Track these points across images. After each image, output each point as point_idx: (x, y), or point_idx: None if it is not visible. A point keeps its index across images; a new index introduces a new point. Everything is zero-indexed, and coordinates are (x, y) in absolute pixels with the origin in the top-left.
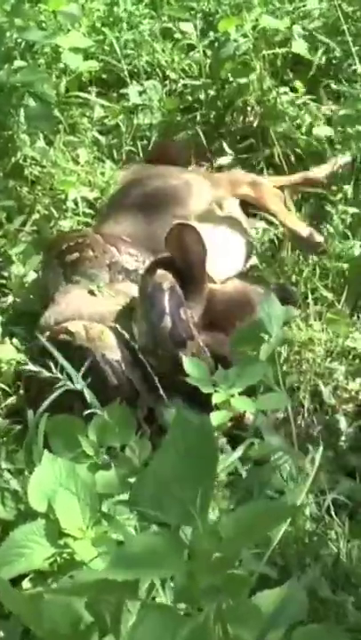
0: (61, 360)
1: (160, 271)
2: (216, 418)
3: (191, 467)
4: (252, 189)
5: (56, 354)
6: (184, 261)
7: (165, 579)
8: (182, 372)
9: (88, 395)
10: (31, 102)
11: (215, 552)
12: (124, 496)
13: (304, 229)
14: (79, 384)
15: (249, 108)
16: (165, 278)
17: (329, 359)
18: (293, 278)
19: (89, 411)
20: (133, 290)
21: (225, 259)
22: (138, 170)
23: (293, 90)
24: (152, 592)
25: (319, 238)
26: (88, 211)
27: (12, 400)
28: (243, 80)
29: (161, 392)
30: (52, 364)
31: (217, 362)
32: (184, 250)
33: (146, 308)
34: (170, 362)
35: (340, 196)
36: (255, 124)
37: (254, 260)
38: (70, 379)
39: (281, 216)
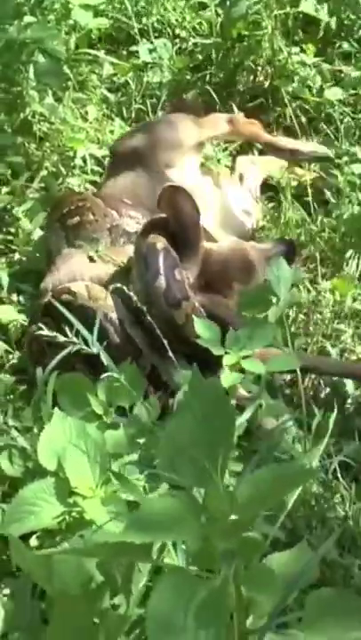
0: (76, 323)
1: (154, 232)
2: (227, 380)
3: (208, 430)
4: (229, 124)
5: (69, 316)
6: (177, 223)
7: (176, 541)
8: (177, 332)
9: (104, 357)
10: (40, 59)
11: (231, 515)
12: (134, 456)
13: (303, 144)
14: (95, 347)
15: (259, 68)
16: (159, 239)
17: (336, 321)
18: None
19: (106, 374)
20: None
21: (231, 219)
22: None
23: (304, 51)
24: (163, 554)
25: (323, 149)
26: (96, 168)
27: (16, 358)
28: (254, 39)
29: (166, 351)
30: (61, 329)
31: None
32: (177, 212)
33: (140, 269)
34: (164, 322)
35: (345, 158)
36: (265, 85)
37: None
38: (85, 342)
39: (265, 138)
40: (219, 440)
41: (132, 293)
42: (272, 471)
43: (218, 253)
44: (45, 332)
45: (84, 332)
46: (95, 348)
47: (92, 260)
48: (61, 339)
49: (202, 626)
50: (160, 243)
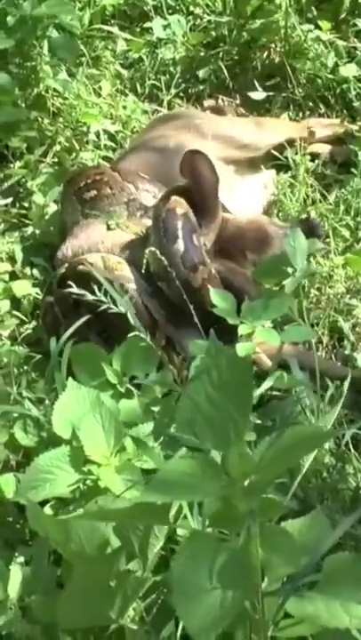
0: (106, 284)
1: (174, 197)
2: (242, 349)
3: (226, 395)
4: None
5: (101, 279)
6: (197, 188)
7: (193, 504)
8: (193, 296)
9: (132, 319)
10: (55, 34)
11: (251, 476)
12: (148, 425)
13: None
14: (122, 307)
15: (273, 46)
16: (179, 204)
17: (349, 296)
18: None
19: (133, 333)
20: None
21: (244, 195)
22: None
23: (318, 28)
24: (180, 518)
25: None
26: (109, 144)
27: (29, 330)
28: (268, 17)
29: (181, 320)
30: (77, 301)
31: (227, 289)
32: (196, 177)
33: (159, 233)
34: (182, 285)
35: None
36: (279, 62)
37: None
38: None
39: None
40: (236, 404)
41: (146, 261)
42: (290, 433)
43: (233, 223)
44: (75, 289)
45: (113, 292)
46: (123, 308)
47: (110, 228)
48: (90, 297)
49: (227, 586)
50: (180, 208)
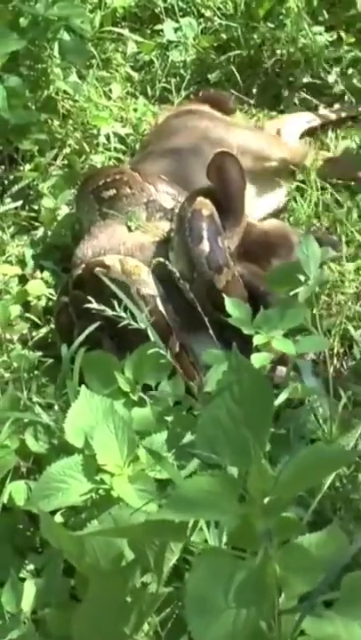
0: (123, 297)
1: (200, 199)
2: (257, 360)
3: (247, 411)
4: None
5: (118, 292)
6: (223, 191)
7: (210, 520)
8: (215, 298)
9: (151, 334)
10: (66, 36)
11: (270, 495)
12: (162, 434)
13: None
14: (142, 323)
15: (284, 49)
16: (205, 205)
17: (359, 303)
18: (326, 221)
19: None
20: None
21: (259, 198)
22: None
23: (328, 30)
24: (195, 530)
25: None
26: (119, 146)
27: (41, 333)
28: (279, 20)
29: (197, 329)
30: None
31: (250, 293)
32: (224, 179)
33: (184, 234)
34: (205, 287)
35: None
36: (290, 64)
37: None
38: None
39: None
40: (257, 421)
41: (172, 267)
42: (311, 452)
43: (259, 227)
44: (94, 305)
45: (133, 307)
46: (143, 324)
47: (130, 229)
48: (109, 312)
49: (242, 605)
50: (206, 209)
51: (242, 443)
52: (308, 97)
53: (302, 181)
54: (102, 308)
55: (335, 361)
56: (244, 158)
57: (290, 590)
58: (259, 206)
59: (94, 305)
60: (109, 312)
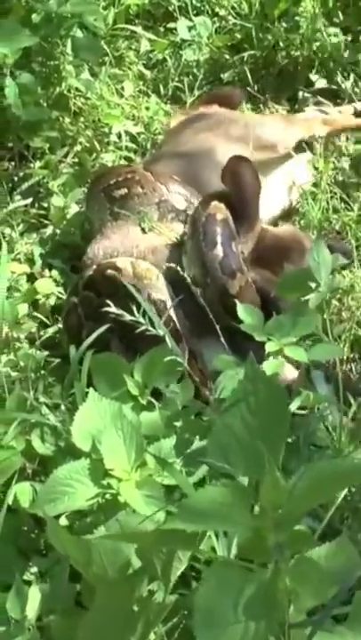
0: (140, 299)
1: (214, 203)
2: (269, 367)
3: (262, 421)
4: (326, 125)
5: (137, 296)
6: (238, 196)
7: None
8: (227, 303)
9: (168, 339)
10: (79, 33)
11: (284, 507)
12: (170, 440)
13: None
14: (161, 329)
15: (298, 51)
16: (219, 210)
17: None
18: (336, 225)
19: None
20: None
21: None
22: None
23: (345, 32)
24: (204, 540)
25: None
26: (131, 145)
27: (49, 333)
28: (294, 20)
29: (207, 334)
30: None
31: (262, 299)
32: (239, 184)
33: (198, 238)
34: (218, 292)
35: None
36: (304, 65)
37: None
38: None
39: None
40: (272, 432)
41: (184, 273)
42: (328, 466)
43: (273, 233)
44: (111, 308)
45: (151, 314)
46: (161, 330)
47: (144, 231)
48: (127, 318)
49: (252, 619)
50: (220, 213)
51: (256, 453)
52: (323, 100)
53: (314, 184)
54: (118, 311)
55: (345, 366)
56: (258, 150)
57: (299, 604)
58: (270, 203)
59: (111, 308)
60: (127, 317)
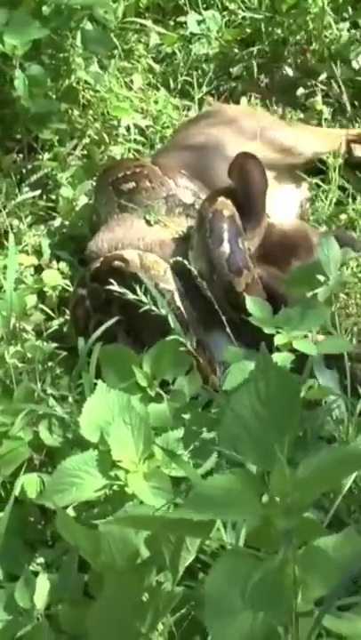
0: (149, 285)
1: (221, 199)
2: (278, 360)
3: (273, 410)
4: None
5: (146, 282)
6: (245, 192)
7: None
8: (234, 300)
9: (172, 321)
10: (88, 26)
11: (291, 496)
12: (178, 431)
13: None
14: (164, 309)
15: (308, 44)
16: (226, 206)
17: None
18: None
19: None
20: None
21: (279, 200)
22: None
23: (354, 26)
24: (212, 530)
25: None
26: (139, 138)
27: (56, 324)
28: (303, 14)
29: (214, 326)
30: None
31: (269, 296)
32: (245, 180)
33: (205, 234)
34: (224, 288)
35: None
36: (314, 60)
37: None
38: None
39: None
40: (283, 421)
41: (191, 266)
42: (333, 453)
43: (279, 229)
44: (115, 287)
45: (155, 292)
46: (164, 310)
47: (149, 224)
48: (130, 296)
49: (259, 607)
50: (227, 209)
51: (265, 443)
52: (333, 96)
53: (323, 180)
54: (122, 290)
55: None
56: (261, 148)
57: (308, 593)
58: (278, 201)
59: (116, 287)
60: (130, 296)
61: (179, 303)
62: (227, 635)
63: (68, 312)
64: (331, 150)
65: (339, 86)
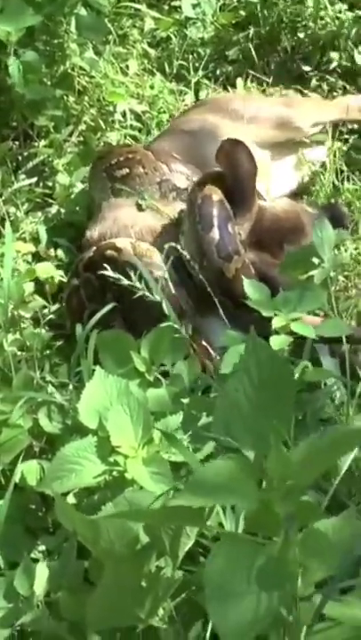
0: (144, 271)
1: (210, 185)
2: (275, 343)
3: (266, 394)
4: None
5: (134, 262)
6: (234, 177)
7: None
8: (225, 286)
9: (166, 307)
10: (83, 12)
11: (289, 479)
12: (177, 416)
13: None
14: (158, 295)
15: (304, 28)
16: (215, 191)
17: None
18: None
19: (165, 324)
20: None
21: (277, 178)
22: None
23: (350, 7)
24: (212, 515)
25: None
26: (135, 124)
27: (53, 312)
28: None
29: (210, 312)
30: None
31: (261, 281)
32: (234, 166)
33: (194, 220)
34: (214, 274)
35: None
36: (309, 42)
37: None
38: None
39: None
40: (277, 404)
41: (183, 251)
42: (327, 434)
43: (271, 213)
44: (108, 272)
45: (149, 277)
46: (157, 296)
47: (140, 209)
48: (125, 282)
49: (265, 590)
50: (216, 195)
51: (261, 426)
52: (330, 78)
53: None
54: (115, 275)
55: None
56: (255, 129)
57: (308, 577)
58: (274, 179)
59: (110, 273)
60: (124, 282)
61: (173, 290)
62: (230, 619)
63: (63, 301)
64: (329, 121)
65: (333, 69)
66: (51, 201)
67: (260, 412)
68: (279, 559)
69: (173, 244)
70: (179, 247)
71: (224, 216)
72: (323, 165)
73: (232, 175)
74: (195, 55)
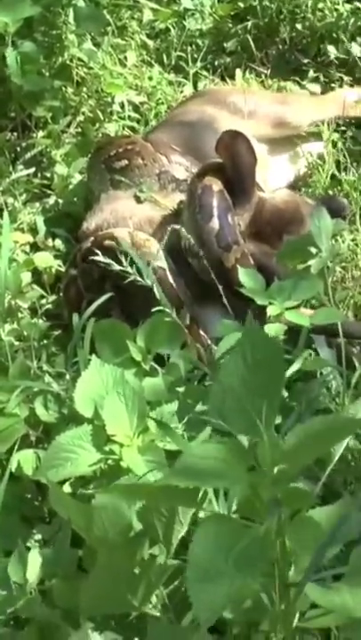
0: (136, 258)
1: (210, 173)
2: (270, 330)
3: (258, 378)
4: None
5: (129, 251)
6: (234, 168)
7: (219, 489)
8: (224, 276)
9: (157, 293)
10: (81, 3)
11: (279, 464)
12: (172, 405)
13: None
14: (149, 279)
15: (303, 20)
16: (215, 182)
17: None
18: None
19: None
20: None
21: (274, 170)
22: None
23: (350, 0)
24: (204, 502)
25: None
26: (134, 115)
27: (50, 303)
28: None
29: (207, 301)
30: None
31: (260, 272)
32: (234, 157)
33: (194, 210)
34: (214, 264)
35: None
36: (307, 33)
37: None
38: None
39: None
40: (268, 388)
41: (184, 234)
42: (320, 421)
43: (270, 204)
44: (101, 258)
45: (141, 263)
46: (149, 281)
47: (139, 201)
48: (117, 268)
49: (240, 572)
50: (216, 185)
51: (252, 410)
52: (327, 70)
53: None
54: (108, 261)
55: None
56: (255, 123)
57: (300, 564)
58: (272, 173)
59: (98, 257)
60: (116, 267)
61: (171, 280)
62: (205, 595)
63: (61, 291)
64: (327, 117)
65: (331, 61)
66: (49, 191)
67: (253, 393)
68: (262, 542)
69: (177, 227)
70: (181, 228)
71: (224, 206)
72: (321, 157)
73: (232, 166)
74: (193, 46)
